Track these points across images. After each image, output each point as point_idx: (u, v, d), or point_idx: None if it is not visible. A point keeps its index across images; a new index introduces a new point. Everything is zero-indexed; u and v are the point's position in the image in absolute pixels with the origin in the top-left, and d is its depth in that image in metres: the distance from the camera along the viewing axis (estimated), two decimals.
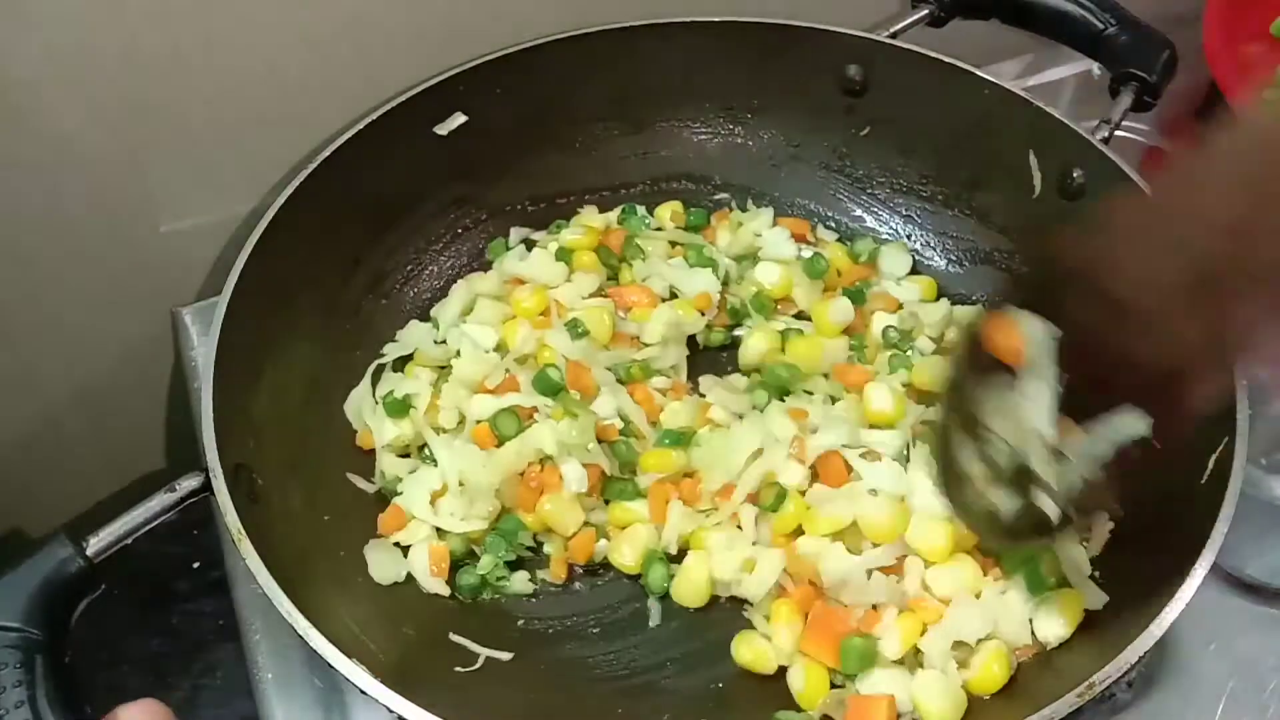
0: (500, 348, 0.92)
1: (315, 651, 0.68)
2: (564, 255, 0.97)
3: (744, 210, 1.06)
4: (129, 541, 0.73)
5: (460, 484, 0.84)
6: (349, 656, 0.67)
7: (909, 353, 0.93)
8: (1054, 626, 0.76)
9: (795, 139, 1.06)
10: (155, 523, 0.73)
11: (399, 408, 0.88)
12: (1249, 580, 0.85)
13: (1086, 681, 0.65)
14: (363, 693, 0.66)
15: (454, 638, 0.79)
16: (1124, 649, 0.66)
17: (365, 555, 0.82)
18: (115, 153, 0.91)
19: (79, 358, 1.05)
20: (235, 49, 0.89)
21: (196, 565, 1.15)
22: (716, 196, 1.08)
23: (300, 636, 0.68)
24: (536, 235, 1.02)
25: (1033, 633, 0.77)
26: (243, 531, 0.71)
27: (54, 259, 0.96)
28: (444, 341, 0.94)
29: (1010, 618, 0.76)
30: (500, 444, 0.85)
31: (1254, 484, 0.87)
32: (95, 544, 0.71)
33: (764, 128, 1.07)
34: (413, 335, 0.94)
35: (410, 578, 0.83)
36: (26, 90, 0.84)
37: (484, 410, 0.86)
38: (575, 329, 0.90)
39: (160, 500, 0.73)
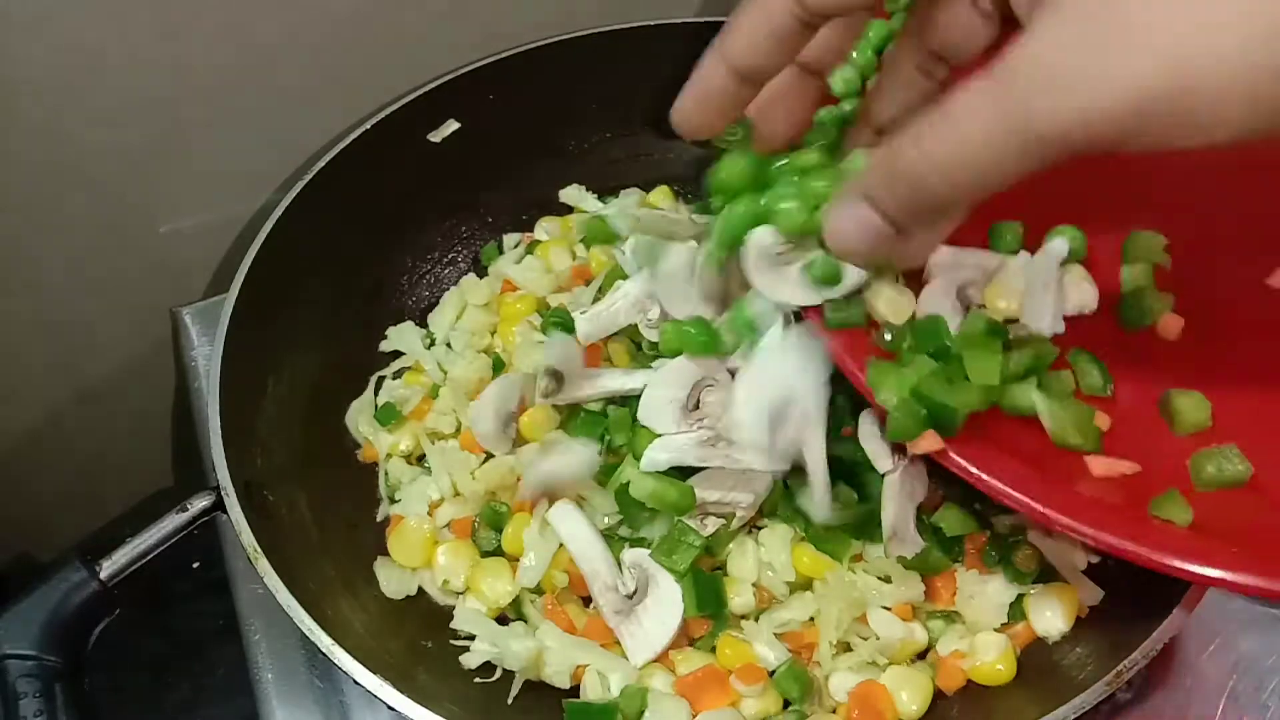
0: (489, 351, 0.92)
1: (316, 652, 0.68)
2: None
3: None
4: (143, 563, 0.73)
5: (456, 492, 0.84)
6: (374, 672, 0.67)
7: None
8: (1053, 621, 0.76)
9: None
10: (169, 543, 0.74)
11: (390, 413, 0.88)
12: None
13: (1115, 669, 0.67)
14: (390, 708, 0.66)
15: (474, 649, 0.78)
16: (1150, 634, 0.68)
17: (375, 571, 0.82)
18: (115, 153, 0.91)
19: (79, 358, 1.05)
20: (234, 52, 0.89)
21: (196, 565, 1.16)
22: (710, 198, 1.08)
23: (306, 638, 0.68)
24: (541, 236, 1.02)
25: (1030, 624, 0.77)
26: (259, 550, 0.71)
27: (54, 259, 0.96)
28: (435, 345, 0.94)
29: (987, 605, 0.77)
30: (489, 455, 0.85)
31: None
32: (109, 567, 0.72)
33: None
34: (401, 335, 0.94)
35: (422, 591, 0.82)
36: (27, 91, 0.84)
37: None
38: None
39: (173, 521, 0.74)
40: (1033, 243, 0.75)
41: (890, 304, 0.67)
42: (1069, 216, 0.75)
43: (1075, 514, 0.62)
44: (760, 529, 0.78)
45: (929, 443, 0.64)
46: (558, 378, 0.81)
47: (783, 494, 0.78)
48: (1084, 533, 0.62)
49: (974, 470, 0.64)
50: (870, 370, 0.65)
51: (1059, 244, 0.74)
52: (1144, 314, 0.73)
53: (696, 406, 0.78)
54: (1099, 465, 0.67)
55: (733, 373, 0.75)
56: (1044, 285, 0.72)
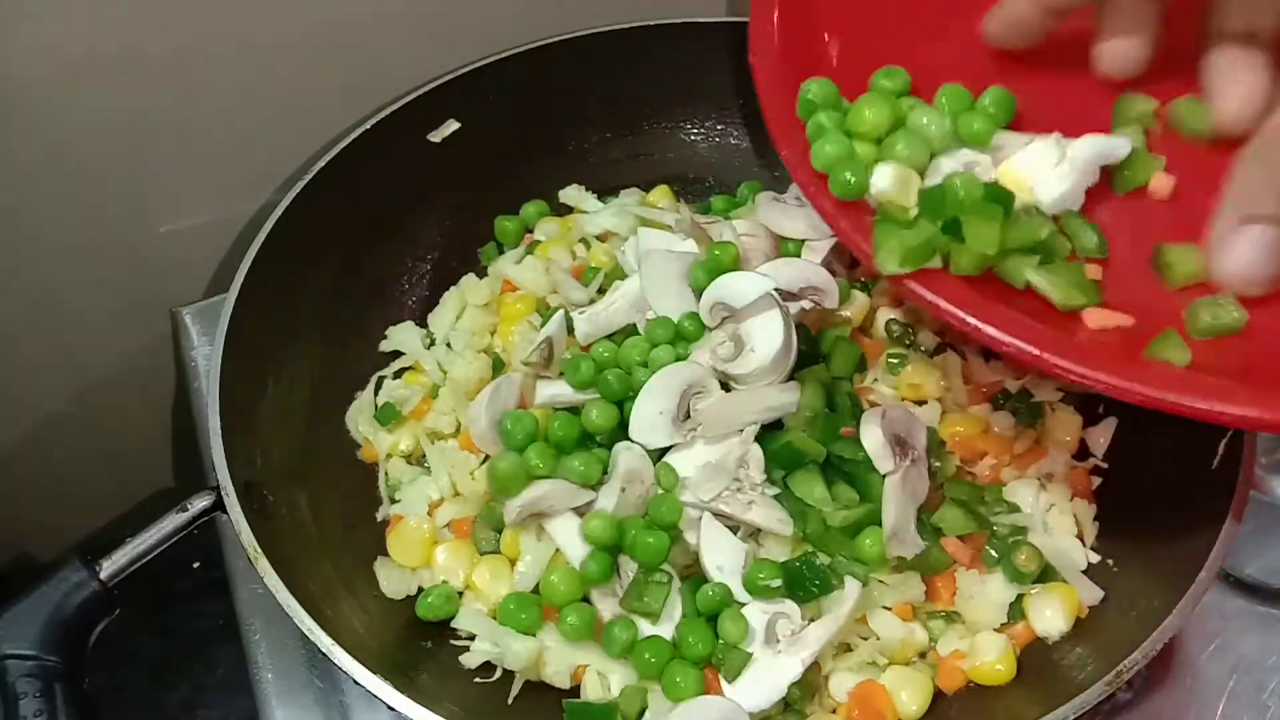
0: (489, 351, 0.92)
1: (316, 652, 0.68)
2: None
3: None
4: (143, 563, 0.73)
5: (455, 492, 0.84)
6: (374, 672, 0.67)
7: (910, 346, 0.93)
8: (1053, 621, 0.77)
9: None
10: (169, 543, 0.74)
11: (390, 414, 0.88)
12: (1249, 580, 0.85)
13: (1115, 669, 0.67)
14: (390, 708, 0.66)
15: (474, 649, 0.78)
16: (1150, 634, 0.68)
17: (375, 571, 0.82)
18: (115, 153, 0.91)
19: (79, 358, 1.05)
20: (234, 52, 0.89)
21: (196, 565, 1.16)
22: (710, 198, 1.07)
23: (306, 638, 0.68)
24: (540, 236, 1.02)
25: (1030, 624, 0.78)
26: (259, 550, 0.71)
27: (54, 259, 0.96)
28: (435, 345, 0.94)
29: (986, 604, 0.78)
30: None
31: (1254, 483, 0.87)
32: (109, 567, 0.72)
33: (756, 127, 1.07)
34: (401, 335, 0.94)
35: (422, 591, 0.82)
36: (27, 91, 0.84)
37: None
38: None
39: (173, 520, 0.74)
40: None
41: (896, 182, 0.67)
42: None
43: (1072, 356, 0.62)
44: (760, 530, 0.78)
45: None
46: (551, 348, 0.83)
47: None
48: (1081, 373, 0.61)
49: (969, 319, 0.64)
50: (876, 229, 0.65)
51: (1120, 144, 0.71)
52: (1136, 175, 0.72)
53: (688, 416, 0.78)
54: (1094, 318, 0.66)
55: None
56: (1080, 174, 0.69)
